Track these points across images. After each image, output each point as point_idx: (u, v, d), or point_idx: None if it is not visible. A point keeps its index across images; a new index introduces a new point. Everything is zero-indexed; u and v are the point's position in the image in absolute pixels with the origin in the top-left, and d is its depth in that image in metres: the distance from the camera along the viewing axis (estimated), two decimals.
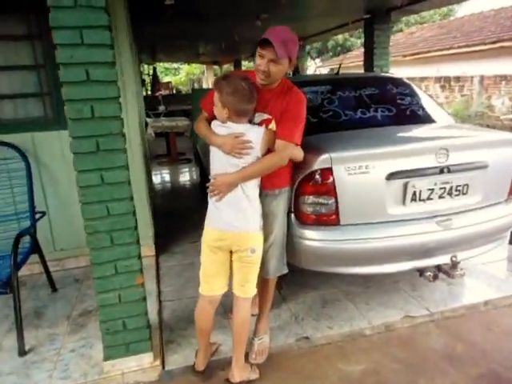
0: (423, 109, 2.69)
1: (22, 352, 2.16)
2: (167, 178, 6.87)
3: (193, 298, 2.59)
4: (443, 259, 2.20)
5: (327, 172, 2.06)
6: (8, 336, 2.30)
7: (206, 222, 1.86)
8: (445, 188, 2.18)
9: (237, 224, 1.78)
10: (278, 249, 2.06)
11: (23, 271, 3.06)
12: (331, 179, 2.06)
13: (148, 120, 7.78)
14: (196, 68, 16.48)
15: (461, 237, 2.24)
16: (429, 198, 2.17)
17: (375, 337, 2.30)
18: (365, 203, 2.12)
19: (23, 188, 2.77)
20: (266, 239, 2.02)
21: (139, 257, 1.95)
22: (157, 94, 11.84)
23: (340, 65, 2.98)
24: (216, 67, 18.30)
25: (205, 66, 18.68)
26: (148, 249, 3.33)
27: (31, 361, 2.13)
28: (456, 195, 2.22)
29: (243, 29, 6.56)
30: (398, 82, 2.91)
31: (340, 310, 2.53)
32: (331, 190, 2.07)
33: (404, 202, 2.16)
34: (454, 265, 2.20)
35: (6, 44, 2.84)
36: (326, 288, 2.77)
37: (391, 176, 2.10)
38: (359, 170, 2.06)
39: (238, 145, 1.72)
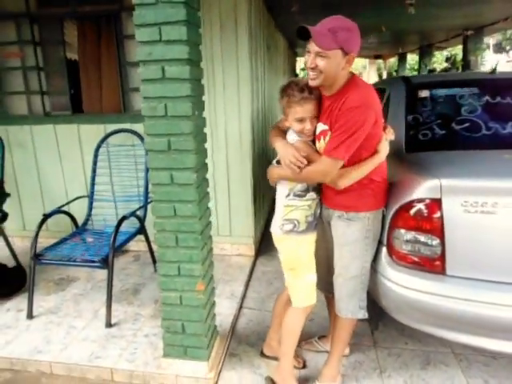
0: None
1: (108, 324, 2.37)
2: None
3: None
4: None
5: (434, 204, 1.56)
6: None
7: None
8: None
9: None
10: (350, 285, 1.71)
11: (140, 247, 3.42)
12: (439, 214, 1.56)
13: None
14: (358, 62, 15.81)
15: None
16: None
17: None
18: (485, 253, 1.54)
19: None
20: (331, 268, 1.74)
21: (203, 263, 1.86)
22: None
23: (497, 62, 2.24)
24: (380, 61, 17.15)
25: (367, 61, 17.71)
26: (247, 248, 3.29)
27: (112, 334, 2.31)
28: None
29: (392, 18, 5.84)
30: None
31: (444, 379, 1.95)
32: (437, 229, 1.57)
33: None
34: None
35: None
36: (432, 343, 2.17)
37: None
38: (482, 207, 1.50)
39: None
